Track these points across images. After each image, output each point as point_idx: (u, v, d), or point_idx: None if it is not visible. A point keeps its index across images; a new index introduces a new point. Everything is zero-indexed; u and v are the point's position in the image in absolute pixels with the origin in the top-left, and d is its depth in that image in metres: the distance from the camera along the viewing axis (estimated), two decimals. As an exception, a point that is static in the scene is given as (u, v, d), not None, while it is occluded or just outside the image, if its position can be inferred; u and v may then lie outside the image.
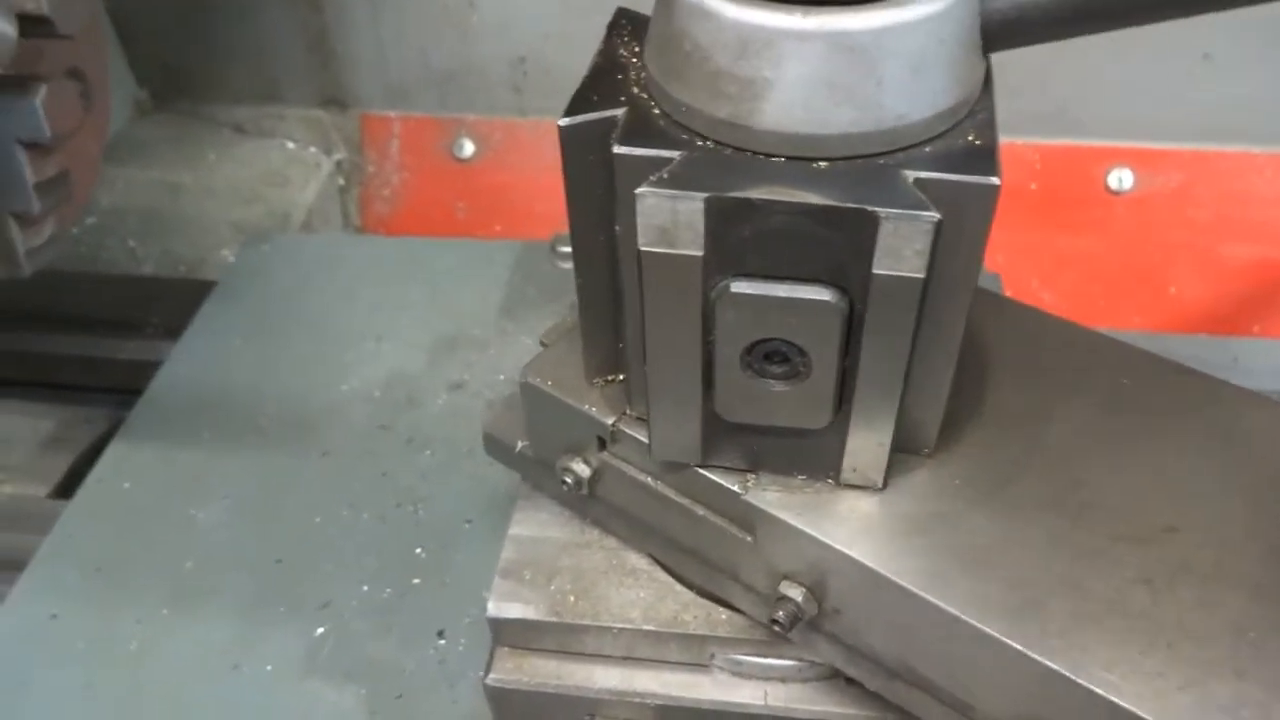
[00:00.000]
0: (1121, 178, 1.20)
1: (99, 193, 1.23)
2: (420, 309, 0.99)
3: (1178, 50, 1.13)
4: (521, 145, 1.30)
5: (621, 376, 0.54)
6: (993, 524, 0.48)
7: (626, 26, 0.49)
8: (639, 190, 0.39)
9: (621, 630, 0.58)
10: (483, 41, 1.25)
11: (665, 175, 0.40)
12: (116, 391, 1.02)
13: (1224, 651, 0.43)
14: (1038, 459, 0.51)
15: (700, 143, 0.42)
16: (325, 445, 0.85)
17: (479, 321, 0.97)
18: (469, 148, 1.32)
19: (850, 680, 0.55)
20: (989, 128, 0.42)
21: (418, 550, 0.76)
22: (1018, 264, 1.20)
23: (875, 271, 0.40)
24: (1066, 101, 1.18)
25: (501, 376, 0.91)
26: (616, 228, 0.45)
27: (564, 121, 0.43)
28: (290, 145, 1.33)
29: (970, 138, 0.41)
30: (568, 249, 1.04)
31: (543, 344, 0.61)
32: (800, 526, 0.48)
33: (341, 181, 1.35)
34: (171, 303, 1.05)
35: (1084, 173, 1.21)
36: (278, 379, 0.91)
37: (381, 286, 1.02)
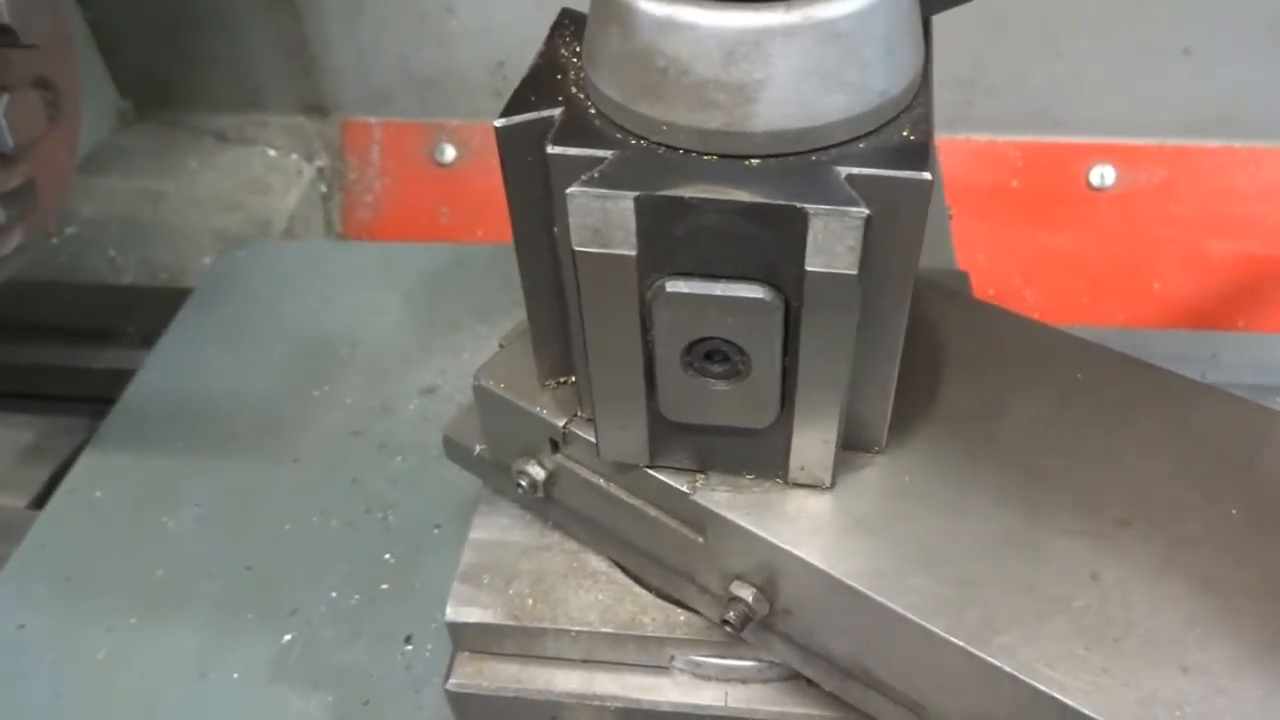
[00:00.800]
0: (1103, 174, 1.19)
1: (80, 202, 1.23)
2: (395, 314, 0.99)
3: (1157, 46, 1.13)
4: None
5: (573, 378, 0.54)
6: (943, 521, 0.48)
7: (569, 27, 0.49)
8: (569, 190, 0.39)
9: (580, 633, 0.57)
10: (462, 47, 1.25)
11: (596, 175, 0.40)
12: (95, 401, 1.02)
13: (1171, 647, 0.43)
14: (990, 455, 0.51)
15: (634, 142, 0.41)
16: (296, 452, 0.85)
17: (453, 326, 0.97)
18: (450, 152, 1.32)
19: (811, 681, 0.54)
20: (925, 122, 0.41)
21: (386, 556, 0.76)
22: (1000, 262, 1.20)
23: (808, 269, 0.39)
24: (1047, 99, 1.18)
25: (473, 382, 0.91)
26: (555, 229, 0.45)
27: (500, 122, 0.43)
28: (272, 153, 1.33)
29: (905, 133, 0.41)
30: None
31: (501, 346, 0.61)
32: (748, 526, 0.48)
33: (324, 188, 1.35)
34: (150, 311, 1.05)
35: (1066, 170, 1.21)
36: (251, 386, 0.91)
37: (357, 292, 1.02)
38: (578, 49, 0.47)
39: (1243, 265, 1.14)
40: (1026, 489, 0.49)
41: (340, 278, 1.04)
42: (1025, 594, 0.45)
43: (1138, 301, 1.17)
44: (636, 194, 0.39)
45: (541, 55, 0.47)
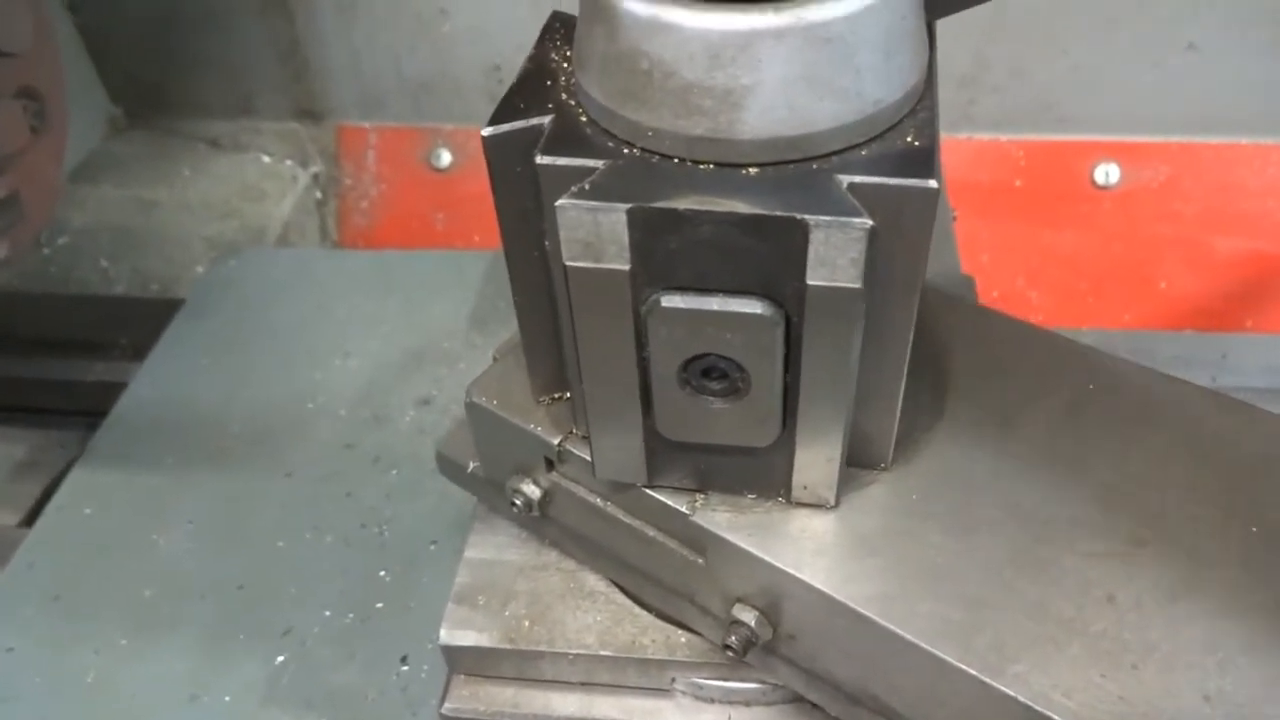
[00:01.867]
0: (1108, 172, 1.18)
1: (71, 212, 1.22)
2: (390, 323, 0.97)
3: (1162, 41, 1.11)
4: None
5: (568, 394, 0.52)
6: (951, 541, 0.46)
7: (560, 30, 0.47)
8: (559, 202, 0.38)
9: (578, 656, 0.56)
10: (456, 50, 1.23)
11: (586, 186, 0.38)
12: (88, 414, 1.01)
13: (1191, 672, 0.41)
14: (999, 470, 0.49)
15: (626, 150, 0.40)
16: (289, 466, 0.83)
17: (449, 335, 0.95)
18: (446, 157, 1.30)
19: (816, 704, 0.53)
20: (929, 127, 0.40)
21: (382, 573, 0.75)
22: (1004, 262, 1.18)
23: (809, 282, 0.38)
24: (1051, 97, 1.16)
25: (470, 391, 0.89)
26: (546, 242, 0.43)
27: (487, 131, 0.42)
28: (266, 159, 1.31)
29: (909, 139, 0.39)
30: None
31: (494, 358, 0.59)
32: (749, 549, 0.46)
33: (319, 194, 1.33)
34: (142, 322, 1.04)
35: (1069, 168, 1.19)
36: (243, 398, 0.90)
37: (351, 301, 1.00)
38: (568, 53, 0.45)
39: (1250, 263, 1.12)
40: (1037, 506, 0.48)
41: (334, 286, 1.02)
42: (1038, 617, 0.43)
43: (1144, 301, 1.15)
44: (629, 206, 0.37)
45: (531, 60, 0.45)
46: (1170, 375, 0.52)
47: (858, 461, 0.48)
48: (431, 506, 0.79)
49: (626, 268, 0.39)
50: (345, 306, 0.99)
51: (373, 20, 1.21)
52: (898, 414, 0.46)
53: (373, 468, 0.83)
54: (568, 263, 0.39)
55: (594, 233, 0.38)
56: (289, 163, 1.30)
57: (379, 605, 0.73)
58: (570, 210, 0.37)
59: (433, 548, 0.76)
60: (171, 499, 0.81)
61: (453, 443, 0.62)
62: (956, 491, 0.48)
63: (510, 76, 1.35)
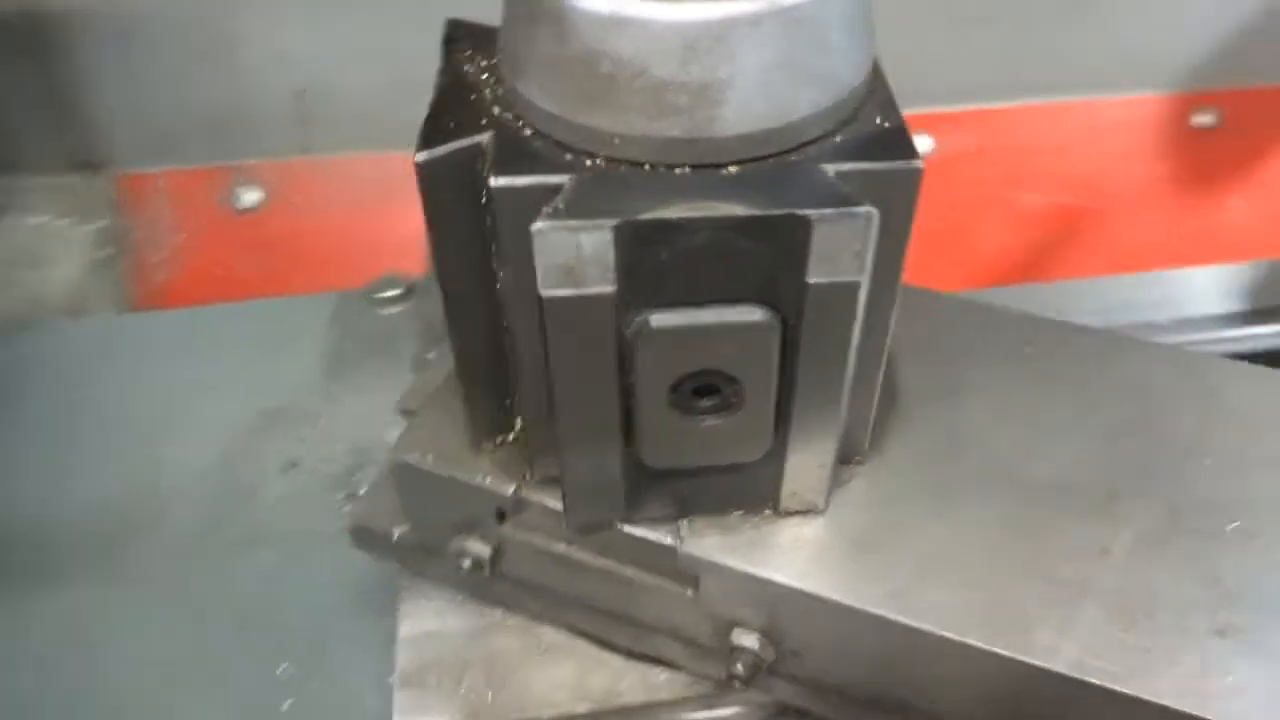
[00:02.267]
0: (922, 144, 1.24)
1: None
2: (229, 387, 0.86)
3: (957, 16, 1.18)
4: (310, 187, 1.18)
5: (513, 437, 0.47)
6: (943, 523, 0.45)
7: (465, 39, 0.42)
8: (536, 226, 0.33)
9: (553, 719, 0.51)
10: (256, 77, 1.12)
11: (561, 205, 0.34)
12: None
13: (1200, 613, 0.42)
14: (965, 446, 0.49)
15: (589, 162, 0.36)
16: (145, 567, 0.72)
17: (302, 390, 0.86)
18: (251, 196, 1.18)
19: (801, 714, 0.51)
20: (892, 107, 0.38)
21: (281, 668, 0.66)
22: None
23: (810, 281, 0.35)
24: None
25: (339, 447, 0.81)
26: (499, 272, 0.39)
27: (421, 156, 0.36)
28: (40, 219, 1.15)
29: (878, 120, 0.38)
30: (387, 294, 0.96)
31: (405, 412, 0.53)
32: (747, 569, 0.44)
33: (108, 251, 1.18)
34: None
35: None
36: (73, 498, 0.77)
37: (175, 368, 0.88)
38: (484, 62, 0.40)
39: (1058, 216, 1.21)
40: (1011, 470, 0.48)
41: (150, 354, 0.90)
42: (1046, 582, 0.43)
43: (968, 262, 1.22)
44: (616, 221, 0.33)
45: (443, 73, 0.40)
46: (1097, 328, 0.54)
47: (837, 459, 0.46)
48: (322, 580, 0.70)
49: (611, 290, 0.35)
50: (169, 376, 0.88)
51: (153, 53, 1.08)
52: (876, 403, 0.45)
53: (244, 551, 0.73)
54: (545, 293, 0.35)
55: (575, 256, 0.34)
56: (67, 221, 1.14)
57: (285, 707, 0.64)
58: (549, 234, 0.33)
59: (334, 626, 0.68)
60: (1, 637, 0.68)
61: (368, 511, 0.55)
62: (932, 471, 0.48)
63: (318, 102, 1.24)
